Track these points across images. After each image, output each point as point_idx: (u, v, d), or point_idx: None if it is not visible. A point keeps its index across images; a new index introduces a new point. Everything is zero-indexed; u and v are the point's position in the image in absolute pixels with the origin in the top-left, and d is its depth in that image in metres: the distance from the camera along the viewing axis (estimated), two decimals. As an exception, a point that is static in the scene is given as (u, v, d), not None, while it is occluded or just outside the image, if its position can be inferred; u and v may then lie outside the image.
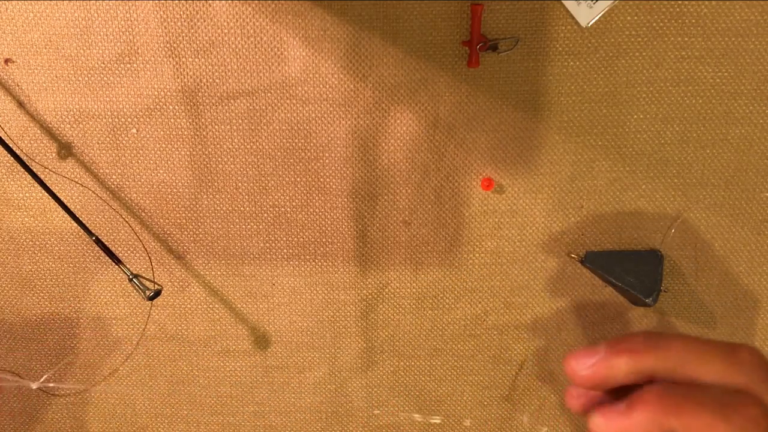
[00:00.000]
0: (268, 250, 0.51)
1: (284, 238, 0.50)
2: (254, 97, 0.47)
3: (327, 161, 0.48)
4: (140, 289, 0.44)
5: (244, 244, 0.50)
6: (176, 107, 0.47)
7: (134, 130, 0.48)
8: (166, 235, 0.50)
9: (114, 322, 0.52)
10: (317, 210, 0.50)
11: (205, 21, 0.45)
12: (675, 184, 0.49)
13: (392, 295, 0.52)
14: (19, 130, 0.47)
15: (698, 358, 0.30)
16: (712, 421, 0.29)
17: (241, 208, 0.49)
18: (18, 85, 0.46)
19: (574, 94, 0.47)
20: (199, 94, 0.47)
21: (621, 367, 0.31)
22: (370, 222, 0.50)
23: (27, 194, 0.49)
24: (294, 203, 0.49)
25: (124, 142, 0.48)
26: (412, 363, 0.53)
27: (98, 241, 0.45)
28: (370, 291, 0.51)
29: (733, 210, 0.50)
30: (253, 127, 0.48)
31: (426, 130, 0.48)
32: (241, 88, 0.47)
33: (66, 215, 0.44)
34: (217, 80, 0.46)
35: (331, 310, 0.52)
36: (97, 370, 0.53)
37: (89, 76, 0.46)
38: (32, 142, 0.48)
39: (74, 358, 0.53)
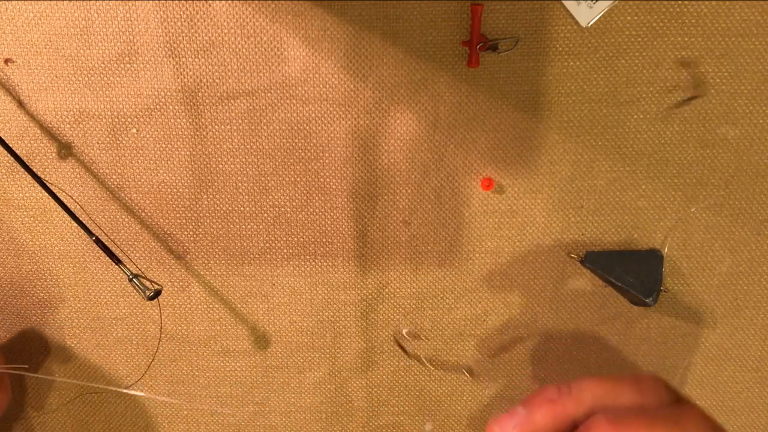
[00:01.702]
0: (268, 250, 0.51)
1: (284, 238, 0.50)
2: (254, 97, 0.47)
3: (327, 161, 0.48)
4: (140, 289, 0.44)
5: (244, 244, 0.50)
6: (176, 107, 0.47)
7: (134, 130, 0.48)
8: (166, 235, 0.50)
9: (114, 322, 0.52)
10: (317, 210, 0.50)
11: (205, 21, 0.45)
12: (675, 184, 0.49)
13: (392, 295, 0.52)
14: (19, 130, 0.47)
15: (610, 394, 0.32)
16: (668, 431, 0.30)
17: (241, 208, 0.49)
18: (18, 85, 0.46)
19: (574, 94, 0.47)
20: (199, 94, 0.47)
21: (542, 420, 0.32)
22: (370, 222, 0.50)
23: (27, 194, 0.49)
24: (294, 203, 0.49)
25: (124, 142, 0.48)
26: (412, 363, 0.53)
27: (98, 241, 0.45)
28: (370, 291, 0.51)
29: (733, 210, 0.50)
30: (253, 127, 0.48)
31: (426, 130, 0.48)
32: (241, 88, 0.47)
33: (66, 215, 0.44)
34: (217, 80, 0.46)
35: (331, 310, 0.52)
36: (97, 370, 0.53)
37: (89, 76, 0.46)
38: (32, 142, 0.48)
39: (75, 359, 0.53)
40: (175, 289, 0.51)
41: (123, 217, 0.49)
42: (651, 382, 0.33)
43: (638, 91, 0.47)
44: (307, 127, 0.48)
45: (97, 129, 0.47)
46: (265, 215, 0.50)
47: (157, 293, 0.44)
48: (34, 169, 0.45)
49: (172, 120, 0.47)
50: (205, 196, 0.49)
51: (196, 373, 0.53)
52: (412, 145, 0.48)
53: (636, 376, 0.34)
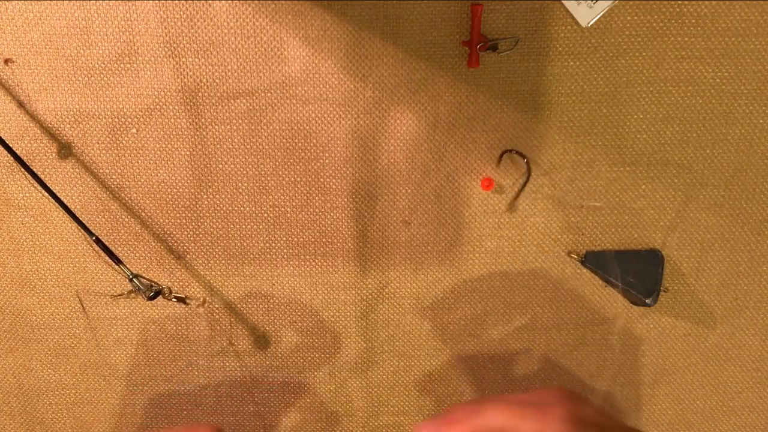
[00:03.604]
0: (268, 250, 0.51)
1: (284, 238, 0.50)
2: (254, 97, 0.47)
3: (327, 161, 0.48)
4: (140, 289, 0.44)
5: (244, 244, 0.50)
6: (176, 107, 0.47)
7: (134, 130, 0.48)
8: (166, 235, 0.50)
9: (114, 322, 0.52)
10: (317, 210, 0.50)
11: (205, 21, 0.45)
12: (675, 184, 0.49)
13: (392, 295, 0.52)
14: (19, 130, 0.47)
15: (514, 419, 0.36)
16: None
17: (241, 208, 0.49)
18: (18, 85, 0.46)
19: (574, 94, 0.47)
20: (199, 94, 0.47)
21: None
22: (370, 222, 0.50)
23: (27, 194, 0.49)
24: (294, 203, 0.49)
25: (124, 142, 0.48)
26: (412, 363, 0.53)
27: (98, 241, 0.45)
28: (370, 291, 0.51)
29: (733, 210, 0.50)
30: (253, 127, 0.48)
31: (426, 130, 0.48)
32: (241, 88, 0.47)
33: (66, 215, 0.44)
34: (217, 80, 0.46)
35: (331, 310, 0.52)
36: (97, 370, 0.53)
37: (89, 76, 0.46)
38: (32, 142, 0.48)
39: (75, 359, 0.53)
40: (175, 289, 0.51)
41: (123, 217, 0.49)
42: (557, 410, 0.36)
43: (638, 91, 0.47)
44: (307, 127, 0.48)
45: (97, 129, 0.47)
46: (265, 215, 0.50)
47: (157, 293, 0.44)
48: (34, 169, 0.45)
49: (172, 120, 0.47)
50: (205, 196, 0.49)
51: (196, 373, 0.53)
52: (412, 145, 0.48)
53: (541, 406, 0.36)
